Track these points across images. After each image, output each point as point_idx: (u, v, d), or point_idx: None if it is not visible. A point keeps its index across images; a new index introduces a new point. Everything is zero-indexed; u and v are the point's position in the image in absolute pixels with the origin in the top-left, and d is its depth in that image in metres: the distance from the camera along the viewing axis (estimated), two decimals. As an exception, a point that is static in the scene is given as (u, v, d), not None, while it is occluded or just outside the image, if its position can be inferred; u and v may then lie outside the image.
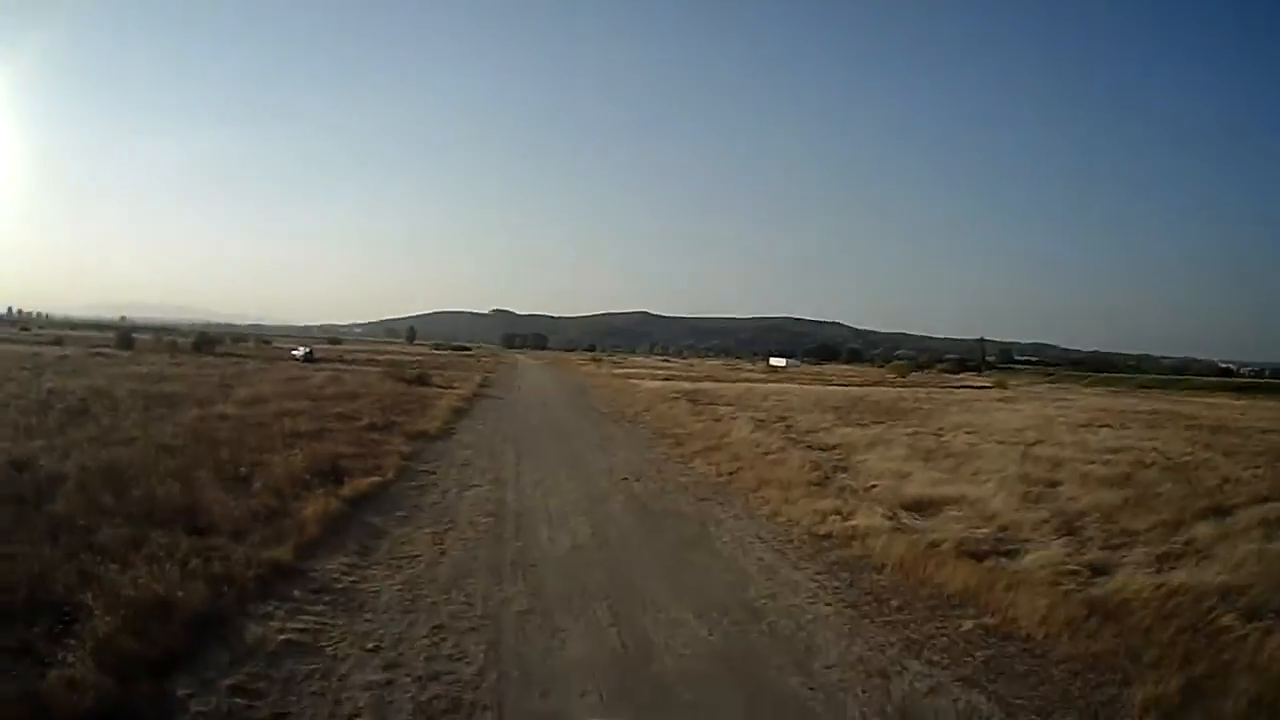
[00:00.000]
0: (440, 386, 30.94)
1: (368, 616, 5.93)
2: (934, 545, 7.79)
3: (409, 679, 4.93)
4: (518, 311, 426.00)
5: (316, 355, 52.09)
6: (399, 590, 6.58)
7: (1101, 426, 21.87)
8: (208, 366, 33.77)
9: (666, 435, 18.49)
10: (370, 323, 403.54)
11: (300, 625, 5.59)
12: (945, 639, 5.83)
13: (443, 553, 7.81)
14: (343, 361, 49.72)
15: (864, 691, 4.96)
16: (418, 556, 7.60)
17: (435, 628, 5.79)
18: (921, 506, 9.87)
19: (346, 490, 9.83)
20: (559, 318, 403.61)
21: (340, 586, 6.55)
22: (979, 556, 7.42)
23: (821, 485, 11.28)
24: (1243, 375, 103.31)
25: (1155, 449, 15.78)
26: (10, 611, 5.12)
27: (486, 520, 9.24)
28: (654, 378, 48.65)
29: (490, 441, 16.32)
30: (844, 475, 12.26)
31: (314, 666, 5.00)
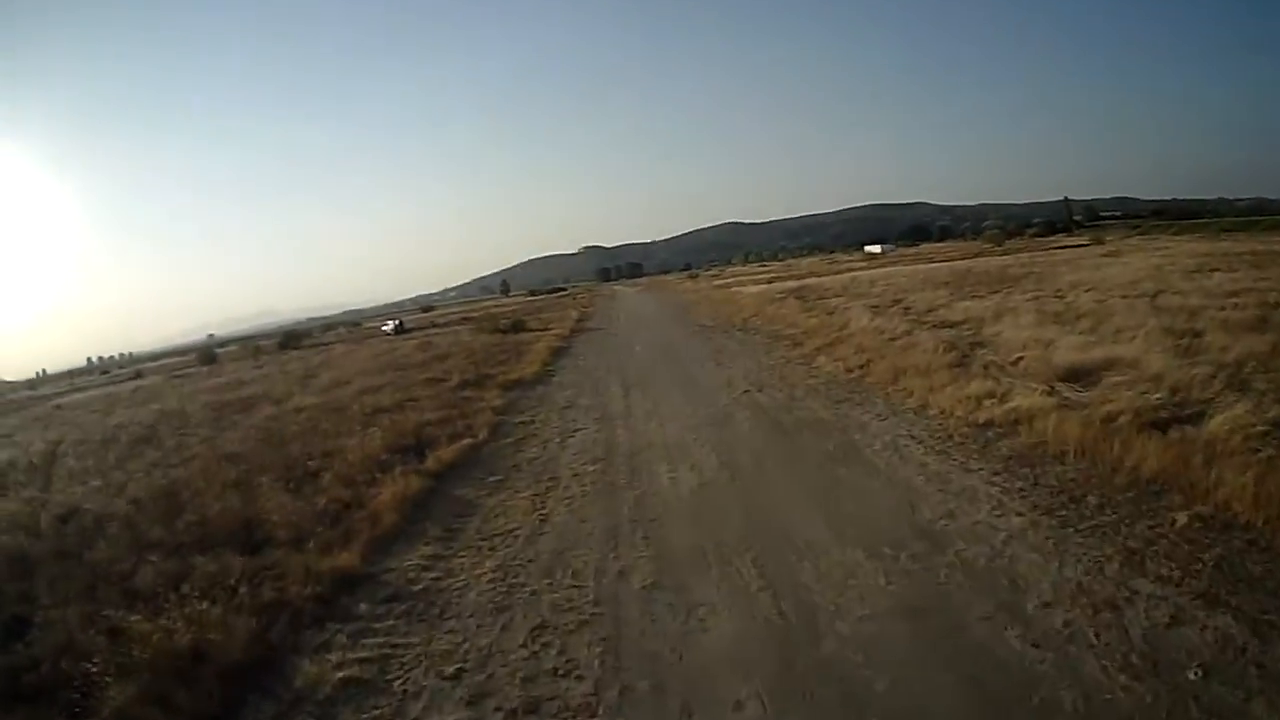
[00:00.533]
0: (536, 330, 30.65)
1: (449, 626, 5.00)
2: (1109, 419, 7.09)
3: (500, 715, 3.88)
4: (607, 245, 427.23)
5: (408, 325, 53.53)
6: (490, 582, 5.63)
7: (1212, 270, 21.31)
8: (292, 361, 35.00)
9: (782, 337, 17.71)
10: (463, 284, 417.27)
11: (363, 654, 4.71)
12: (1165, 542, 4.86)
13: (544, 520, 6.89)
14: (435, 326, 50.82)
15: (1098, 636, 3.89)
16: (514, 531, 6.69)
17: (535, 629, 4.77)
18: (1078, 375, 9.13)
19: (430, 463, 9.18)
20: (649, 243, 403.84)
21: (417, 589, 5.68)
22: (1161, 427, 6.77)
23: (963, 366, 10.64)
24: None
25: (1274, 289, 15.15)
26: (34, 690, 4.64)
27: (594, 469, 8.35)
28: (755, 283, 47.61)
29: (593, 376, 15.70)
30: (983, 351, 11.61)
31: (377, 711, 4.09)
